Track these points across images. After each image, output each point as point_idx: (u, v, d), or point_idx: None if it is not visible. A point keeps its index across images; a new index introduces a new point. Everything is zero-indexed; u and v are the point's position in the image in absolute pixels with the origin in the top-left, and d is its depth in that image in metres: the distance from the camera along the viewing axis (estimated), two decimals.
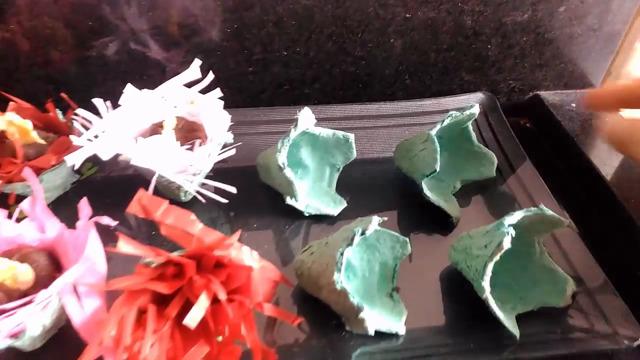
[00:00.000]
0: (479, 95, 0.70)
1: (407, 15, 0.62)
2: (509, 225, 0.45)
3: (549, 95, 0.73)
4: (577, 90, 0.74)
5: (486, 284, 0.44)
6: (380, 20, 0.62)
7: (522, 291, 0.49)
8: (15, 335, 0.39)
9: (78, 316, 0.40)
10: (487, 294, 0.45)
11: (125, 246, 0.38)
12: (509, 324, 0.45)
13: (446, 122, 0.55)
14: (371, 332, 0.44)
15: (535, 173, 0.61)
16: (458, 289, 0.50)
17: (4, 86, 0.57)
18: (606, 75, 0.74)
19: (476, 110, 0.56)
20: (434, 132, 0.55)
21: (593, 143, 0.65)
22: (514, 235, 0.44)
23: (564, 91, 0.74)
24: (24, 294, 0.40)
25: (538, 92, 0.73)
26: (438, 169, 0.54)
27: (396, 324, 0.46)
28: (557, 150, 0.68)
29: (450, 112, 0.56)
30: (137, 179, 0.57)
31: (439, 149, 0.54)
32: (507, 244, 0.43)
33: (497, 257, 0.44)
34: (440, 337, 0.47)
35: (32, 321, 0.39)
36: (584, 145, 0.65)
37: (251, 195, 0.54)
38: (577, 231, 0.55)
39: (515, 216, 0.45)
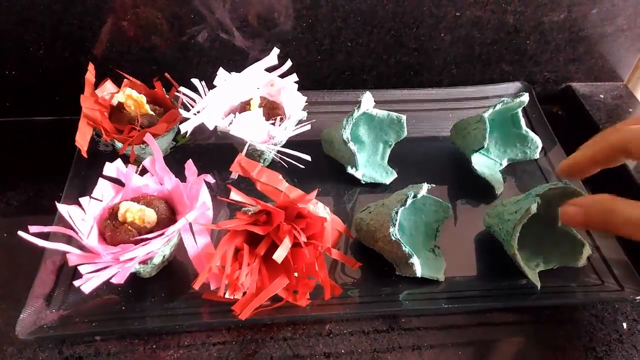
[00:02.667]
0: (517, 85, 0.79)
1: (457, 14, 0.71)
2: (536, 195, 0.54)
3: (580, 87, 0.81)
4: (606, 82, 0.82)
5: (514, 242, 0.54)
6: (433, 18, 0.71)
7: (545, 252, 0.58)
8: (144, 262, 0.51)
9: (192, 249, 0.52)
10: (515, 251, 0.54)
11: (236, 195, 0.50)
12: (532, 276, 0.55)
13: (498, 106, 0.65)
14: (418, 274, 0.55)
15: (564, 156, 0.70)
16: (490, 248, 0.60)
17: (117, 66, 0.69)
18: (634, 70, 0.81)
19: (526, 98, 0.65)
20: (487, 114, 0.64)
21: None
22: (539, 204, 0.53)
23: (594, 83, 0.82)
24: (149, 231, 0.51)
25: (570, 83, 0.82)
26: (486, 146, 0.63)
27: (437, 273, 0.57)
28: (585, 136, 0.76)
29: (503, 98, 0.65)
30: (220, 147, 0.69)
31: (489, 128, 0.63)
32: (533, 209, 0.53)
33: (524, 220, 0.53)
34: (473, 284, 0.57)
35: (159, 250, 0.50)
36: None
37: (314, 165, 0.63)
38: None
39: (542, 188, 0.55)
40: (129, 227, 0.51)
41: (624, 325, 0.56)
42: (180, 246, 0.53)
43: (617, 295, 0.56)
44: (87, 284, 0.46)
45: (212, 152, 0.69)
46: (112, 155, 0.58)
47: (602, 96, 0.80)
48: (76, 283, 0.47)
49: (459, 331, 0.54)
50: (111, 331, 0.51)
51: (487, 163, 0.70)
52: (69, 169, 0.64)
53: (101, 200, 0.53)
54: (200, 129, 0.65)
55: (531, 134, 0.69)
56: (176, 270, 0.56)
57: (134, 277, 0.54)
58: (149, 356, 0.50)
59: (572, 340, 0.54)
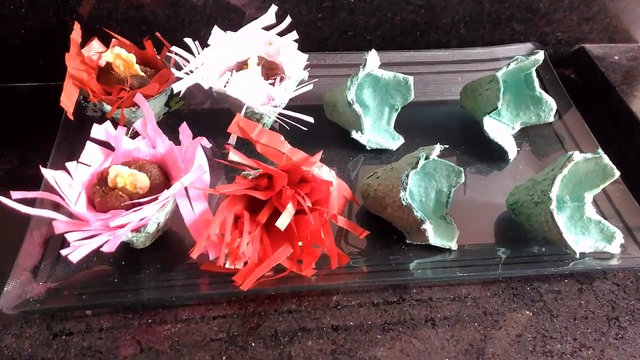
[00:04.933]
0: (529, 46, 0.75)
1: None
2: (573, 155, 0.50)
3: (593, 48, 0.77)
4: (620, 44, 0.78)
5: (554, 194, 0.49)
6: None
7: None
8: (137, 230, 0.47)
9: (189, 216, 0.48)
10: (554, 207, 0.49)
11: (234, 156, 0.46)
12: (571, 240, 0.50)
13: (512, 65, 0.61)
14: (431, 241, 0.51)
15: (581, 120, 0.67)
16: (505, 215, 0.57)
17: (104, 26, 0.65)
18: None
19: (541, 56, 0.61)
20: (499, 73, 0.60)
21: (633, 92, 0.70)
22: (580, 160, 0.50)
23: (607, 45, 0.78)
24: (142, 197, 0.47)
25: (583, 45, 0.78)
26: (500, 107, 0.60)
27: (449, 241, 0.53)
28: (600, 99, 0.73)
29: (516, 57, 0.61)
30: (215, 112, 0.65)
31: (502, 88, 0.59)
32: (577, 157, 0.49)
33: (565, 171, 0.49)
34: (487, 252, 0.54)
35: (152, 216, 0.46)
36: (625, 94, 0.69)
37: (317, 131, 0.59)
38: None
39: (578, 155, 0.50)
40: (120, 192, 0.47)
41: None
42: (176, 215, 0.50)
43: None
44: (75, 252, 0.42)
45: (208, 118, 0.65)
46: (101, 122, 0.54)
47: (616, 57, 0.76)
48: (63, 252, 0.43)
49: (473, 302, 0.51)
50: (103, 304, 0.47)
51: (499, 127, 0.66)
52: (55, 137, 0.60)
53: (89, 165, 0.49)
54: (194, 93, 0.61)
55: (545, 96, 0.65)
56: (172, 240, 0.53)
57: (127, 247, 0.51)
58: (145, 331, 0.46)
59: (594, 310, 0.51)
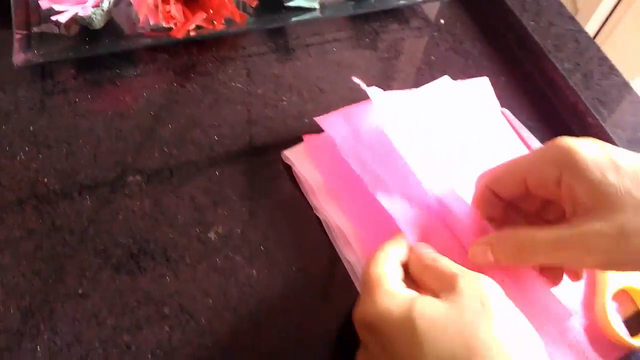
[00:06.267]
0: None
1: None
2: None
3: None
4: None
5: None
6: None
7: None
8: (96, 5, 0.66)
9: None
10: None
11: None
12: None
13: None
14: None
15: None
16: None
17: None
18: None
19: None
20: None
21: None
22: None
23: None
24: None
25: None
26: None
27: (312, 3, 0.77)
28: None
29: None
30: None
31: None
32: None
33: None
34: (340, 9, 0.79)
35: None
36: None
37: None
38: None
39: None
40: None
41: (442, 21, 0.81)
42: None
43: None
44: (62, 15, 0.61)
45: None
46: None
47: None
48: (53, 17, 0.62)
49: (334, 40, 0.76)
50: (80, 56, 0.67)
51: None
52: None
53: None
54: None
55: None
56: (119, 27, 0.72)
57: (86, 30, 0.69)
58: (114, 84, 0.68)
59: (411, 40, 0.78)
